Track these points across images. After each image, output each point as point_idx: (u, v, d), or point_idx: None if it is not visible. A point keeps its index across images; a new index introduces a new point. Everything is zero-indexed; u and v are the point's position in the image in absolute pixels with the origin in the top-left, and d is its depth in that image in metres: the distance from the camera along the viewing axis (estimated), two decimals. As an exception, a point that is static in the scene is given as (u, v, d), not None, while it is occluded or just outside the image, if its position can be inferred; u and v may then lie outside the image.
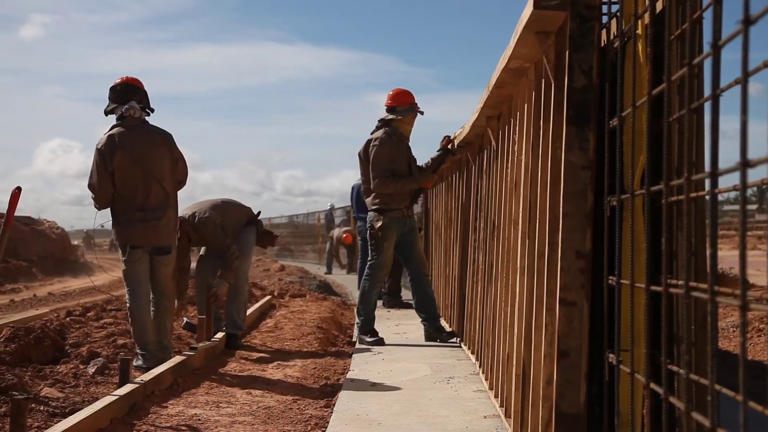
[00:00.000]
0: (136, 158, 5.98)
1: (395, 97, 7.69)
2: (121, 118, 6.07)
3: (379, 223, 7.55)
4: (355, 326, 8.17)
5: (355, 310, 8.10)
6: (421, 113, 7.75)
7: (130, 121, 6.07)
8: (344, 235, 20.67)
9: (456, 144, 7.51)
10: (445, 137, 7.80)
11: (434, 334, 7.53)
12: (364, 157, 7.72)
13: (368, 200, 7.69)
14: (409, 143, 7.75)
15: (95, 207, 6.10)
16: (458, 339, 7.39)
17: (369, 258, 7.73)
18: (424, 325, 7.62)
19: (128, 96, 6.09)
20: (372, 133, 7.72)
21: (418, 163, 7.77)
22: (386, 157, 7.51)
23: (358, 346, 7.37)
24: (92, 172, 6.02)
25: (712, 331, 1.51)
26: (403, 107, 7.66)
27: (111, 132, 6.03)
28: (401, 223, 7.64)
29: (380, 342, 7.38)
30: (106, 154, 5.95)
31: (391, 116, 7.64)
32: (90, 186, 6.05)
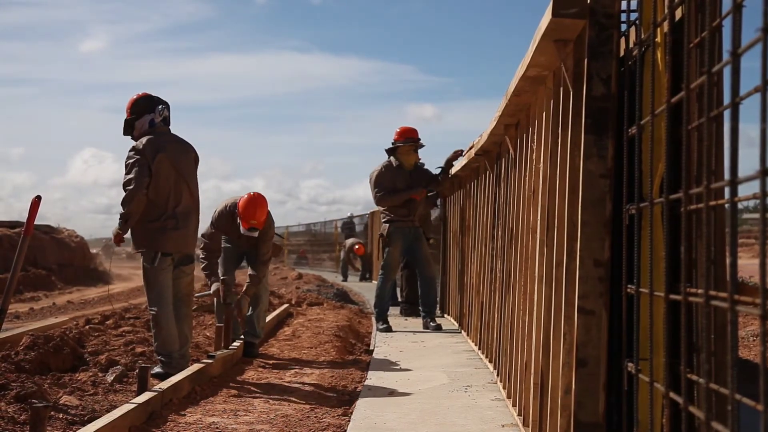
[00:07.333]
0: (173, 161, 6.05)
1: (396, 133, 9.26)
2: (151, 124, 6.11)
3: (385, 231, 9.26)
4: (373, 319, 9.76)
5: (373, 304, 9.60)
6: (420, 147, 9.19)
7: (160, 129, 6.13)
8: (357, 247, 21.69)
9: (474, 151, 7.53)
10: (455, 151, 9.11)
11: (430, 326, 9.00)
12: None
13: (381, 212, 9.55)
14: (419, 167, 9.30)
15: (130, 209, 5.87)
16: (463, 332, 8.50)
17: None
18: (423, 318, 9.15)
19: (152, 106, 6.14)
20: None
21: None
22: (386, 178, 9.13)
23: (374, 355, 7.37)
24: (130, 170, 5.93)
25: (732, 340, 1.50)
26: (399, 141, 9.19)
27: (149, 137, 6.04)
28: (404, 231, 9.17)
29: (389, 329, 8.95)
30: (148, 153, 5.95)
31: (390, 147, 9.25)
32: (128, 182, 5.90)
